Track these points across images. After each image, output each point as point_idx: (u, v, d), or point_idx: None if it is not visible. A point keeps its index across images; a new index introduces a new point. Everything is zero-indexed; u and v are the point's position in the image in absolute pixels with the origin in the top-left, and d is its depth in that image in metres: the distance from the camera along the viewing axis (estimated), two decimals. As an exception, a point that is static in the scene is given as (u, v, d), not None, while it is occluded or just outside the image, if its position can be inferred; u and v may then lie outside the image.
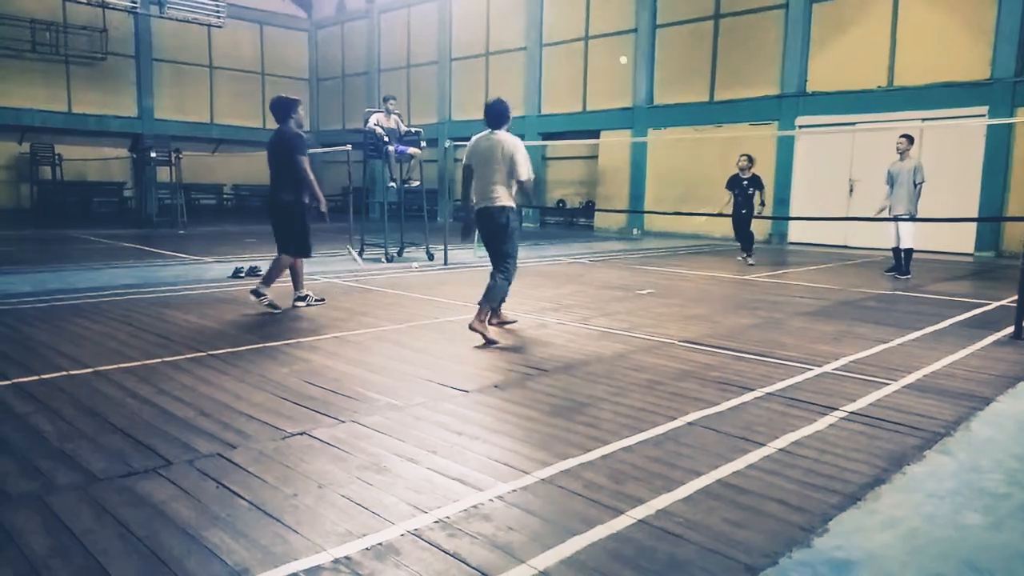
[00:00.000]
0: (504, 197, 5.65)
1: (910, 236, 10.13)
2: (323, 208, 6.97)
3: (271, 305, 6.68)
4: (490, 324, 5.74)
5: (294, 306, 6.93)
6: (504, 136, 5.71)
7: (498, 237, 5.73)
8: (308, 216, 6.89)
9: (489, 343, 5.47)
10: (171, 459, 3.12)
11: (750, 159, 11.79)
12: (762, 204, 11.91)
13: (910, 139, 10.09)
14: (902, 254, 10.24)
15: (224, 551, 2.35)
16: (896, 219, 9.93)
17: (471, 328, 5.55)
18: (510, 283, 5.82)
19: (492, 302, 5.73)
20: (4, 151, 22.86)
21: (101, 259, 11.03)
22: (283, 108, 6.81)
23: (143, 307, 6.90)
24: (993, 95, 13.47)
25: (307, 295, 7.10)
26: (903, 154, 9.99)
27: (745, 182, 11.76)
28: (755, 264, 11.69)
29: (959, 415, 3.92)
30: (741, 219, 11.87)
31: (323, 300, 7.23)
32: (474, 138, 5.86)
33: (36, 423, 3.56)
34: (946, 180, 13.45)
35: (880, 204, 10.36)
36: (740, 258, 12.09)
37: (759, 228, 16.84)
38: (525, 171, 5.64)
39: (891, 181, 10.06)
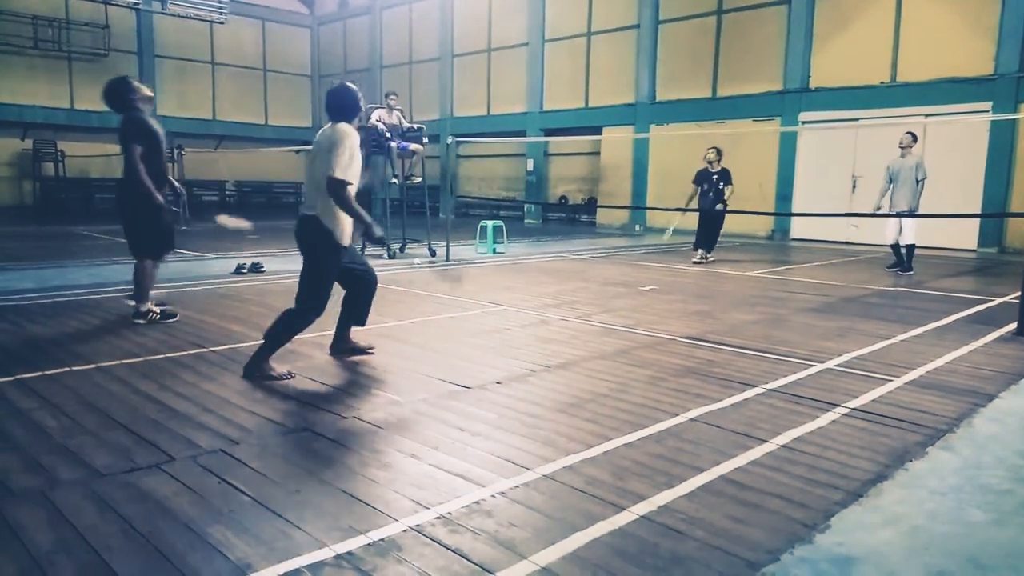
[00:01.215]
0: (321, 206, 4.27)
1: (912, 232, 10.12)
2: (157, 200, 5.70)
3: (164, 315, 5.97)
4: (345, 348, 4.87)
5: (134, 322, 5.89)
6: (339, 127, 4.29)
7: (306, 254, 4.40)
8: (164, 212, 5.84)
9: (280, 377, 4.32)
10: (174, 455, 3.12)
11: (719, 152, 11.20)
12: (725, 202, 11.17)
13: (914, 137, 10.10)
14: (903, 250, 10.23)
15: (227, 547, 2.35)
16: (899, 215, 9.92)
17: (247, 375, 4.35)
18: (304, 323, 4.40)
19: (276, 344, 4.41)
20: (7, 148, 22.88)
21: (103, 255, 11.04)
22: (119, 94, 5.77)
23: (146, 303, 6.90)
24: (997, 91, 13.43)
25: (150, 311, 5.97)
26: (905, 151, 9.99)
27: (715, 176, 11.13)
28: (714, 260, 11.37)
29: (962, 411, 3.91)
30: (713, 216, 11.22)
31: (175, 317, 6.05)
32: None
33: (39, 419, 3.57)
34: (949, 176, 13.43)
35: (876, 202, 10.32)
36: (697, 258, 11.27)
37: (762, 224, 16.86)
38: (337, 167, 4.15)
39: (891, 179, 10.07)
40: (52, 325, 5.82)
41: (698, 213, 11.38)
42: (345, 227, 4.38)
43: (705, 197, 11.23)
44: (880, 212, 10.28)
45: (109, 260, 10.43)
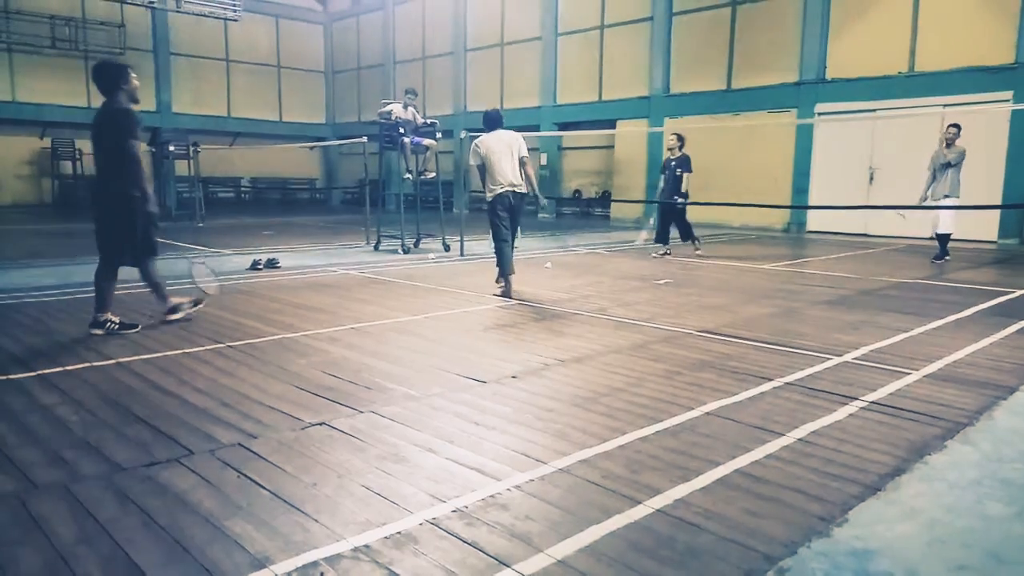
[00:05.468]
0: (524, 180, 7.33)
1: (951, 222, 10.42)
2: (152, 207, 5.47)
3: (123, 327, 5.42)
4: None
5: (166, 320, 5.73)
6: (509, 132, 7.40)
7: (521, 212, 7.50)
8: (148, 210, 5.46)
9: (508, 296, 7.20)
10: (193, 449, 3.16)
11: (679, 138, 10.83)
12: (684, 193, 10.79)
13: (959, 129, 10.20)
14: (935, 238, 10.59)
15: (246, 539, 2.38)
16: (938, 207, 10.11)
17: (505, 294, 7.29)
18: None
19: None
20: (27, 146, 23.17)
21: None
22: (109, 77, 5.32)
23: (164, 299, 6.96)
24: (1018, 79, 13.22)
25: (181, 305, 5.84)
26: (951, 143, 10.09)
27: (673, 162, 10.81)
28: (702, 252, 11.27)
29: (982, 404, 3.87)
30: (674, 207, 10.91)
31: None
32: (485, 138, 7.28)
33: (61, 414, 3.62)
34: (969, 167, 13.15)
35: (922, 192, 10.41)
36: (683, 248, 11.15)
37: (778, 217, 16.73)
38: (525, 152, 7.36)
39: (937, 169, 10.14)
40: (72, 321, 5.88)
41: (659, 205, 11.14)
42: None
43: (667, 187, 10.99)
44: (925, 204, 10.37)
45: (127, 257, 10.52)
